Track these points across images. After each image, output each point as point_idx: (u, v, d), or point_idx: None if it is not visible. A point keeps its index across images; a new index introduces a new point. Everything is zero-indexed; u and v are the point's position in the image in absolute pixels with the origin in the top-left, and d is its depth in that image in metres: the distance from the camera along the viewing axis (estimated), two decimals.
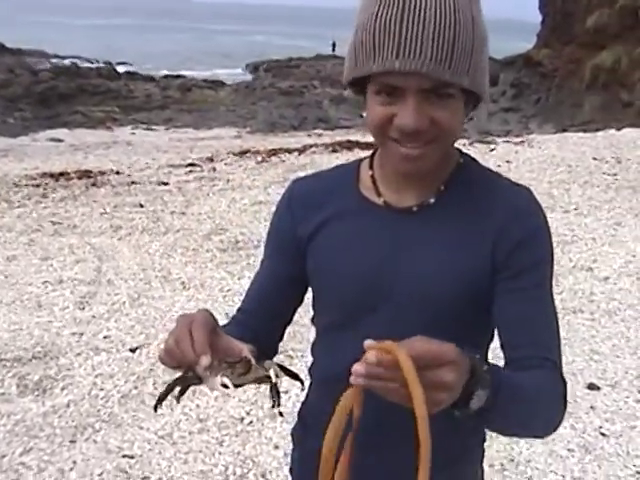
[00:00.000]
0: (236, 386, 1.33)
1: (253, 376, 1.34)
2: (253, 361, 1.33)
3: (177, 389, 1.35)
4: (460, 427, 1.44)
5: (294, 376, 1.44)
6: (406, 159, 1.39)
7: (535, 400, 1.31)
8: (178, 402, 1.38)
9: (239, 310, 1.69)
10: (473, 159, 1.57)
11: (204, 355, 1.24)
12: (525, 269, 1.42)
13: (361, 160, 1.62)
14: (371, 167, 1.57)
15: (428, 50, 1.27)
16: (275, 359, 1.45)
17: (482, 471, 1.72)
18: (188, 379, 1.33)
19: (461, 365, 1.09)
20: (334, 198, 1.57)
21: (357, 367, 1.04)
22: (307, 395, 1.74)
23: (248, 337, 1.47)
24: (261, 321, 1.66)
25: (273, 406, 1.38)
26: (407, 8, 1.28)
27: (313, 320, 1.68)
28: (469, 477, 1.68)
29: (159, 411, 1.49)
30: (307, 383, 1.76)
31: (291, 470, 1.83)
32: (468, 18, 1.31)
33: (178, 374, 1.33)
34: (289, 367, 1.43)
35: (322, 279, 1.58)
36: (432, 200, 1.49)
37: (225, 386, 1.27)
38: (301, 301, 1.68)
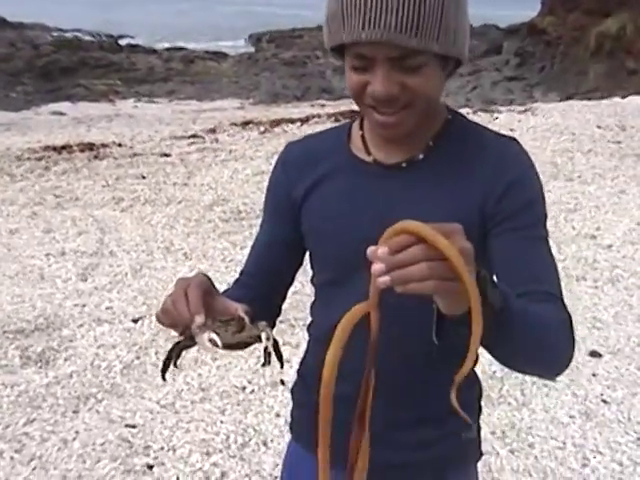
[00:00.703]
0: (229, 347, 1.33)
1: (246, 335, 1.34)
2: (247, 319, 1.34)
3: (175, 354, 1.38)
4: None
5: (279, 356, 1.44)
6: (383, 126, 1.43)
7: (543, 325, 1.29)
8: (176, 366, 1.40)
9: (241, 273, 1.73)
10: (461, 115, 1.59)
11: (197, 314, 1.27)
12: (518, 210, 1.43)
13: (352, 121, 1.64)
14: (361, 127, 1.59)
15: (392, 19, 1.28)
16: (277, 327, 1.46)
17: (479, 429, 1.73)
18: (184, 342, 1.36)
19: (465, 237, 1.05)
20: (326, 159, 1.60)
21: (375, 266, 1.01)
22: (305, 353, 1.77)
23: (249, 298, 1.51)
24: (262, 282, 1.69)
25: (264, 365, 1.41)
26: None
27: (312, 280, 1.70)
28: (466, 433, 1.68)
29: (167, 378, 1.51)
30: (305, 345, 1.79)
31: (291, 428, 1.86)
32: None
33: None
34: (279, 346, 1.44)
35: (316, 238, 1.60)
36: (421, 156, 1.51)
37: (214, 342, 1.27)
38: (301, 262, 1.71)
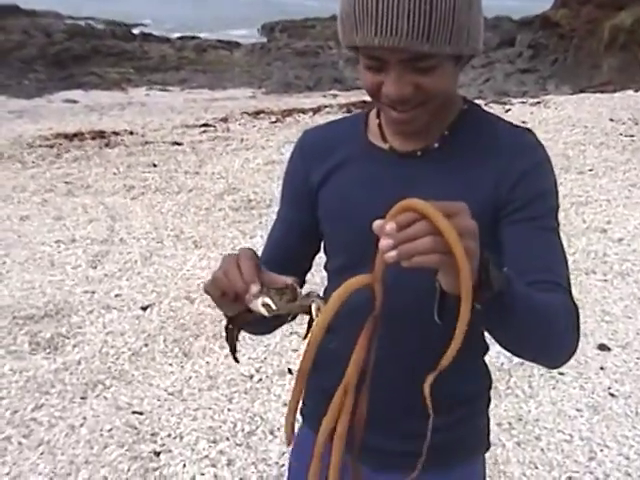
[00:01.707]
0: (279, 315, 1.35)
1: (299, 304, 1.35)
2: (299, 289, 1.35)
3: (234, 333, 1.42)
4: (464, 369, 1.50)
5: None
6: (397, 122, 1.45)
7: (548, 312, 1.30)
8: (234, 352, 1.43)
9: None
10: (477, 105, 1.59)
11: (253, 283, 1.28)
12: (530, 200, 1.44)
13: (370, 109, 1.65)
14: (378, 116, 1.60)
15: (404, 26, 1.29)
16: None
17: (488, 420, 1.74)
18: (239, 316, 1.38)
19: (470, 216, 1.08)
20: (343, 146, 1.62)
21: (383, 242, 1.06)
22: None
23: None
24: (279, 269, 1.67)
25: (305, 337, 1.39)
26: None
27: (325, 266, 1.71)
28: (474, 423, 1.69)
29: (238, 358, 1.51)
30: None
31: (302, 413, 1.86)
32: None
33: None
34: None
35: (331, 223, 1.62)
36: (436, 145, 1.52)
37: (268, 307, 1.28)
38: (318, 249, 1.72)
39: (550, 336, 1.32)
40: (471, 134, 1.52)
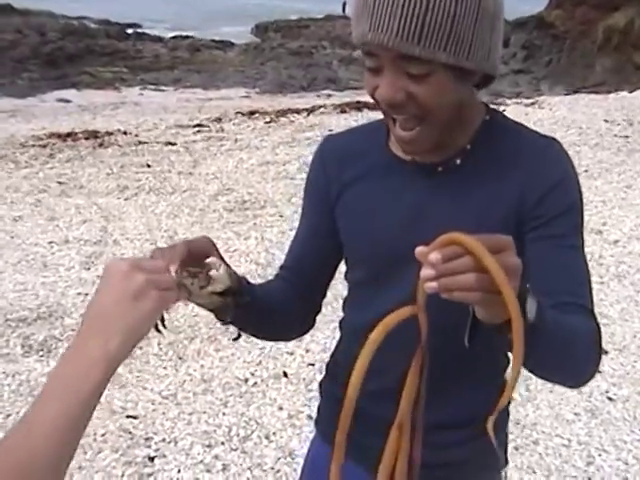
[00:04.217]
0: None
1: (208, 292, 1.31)
2: (219, 272, 1.31)
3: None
4: (487, 384, 1.50)
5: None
6: (401, 141, 1.43)
7: (573, 338, 1.29)
8: (158, 330, 1.31)
9: (281, 267, 1.73)
10: (500, 113, 1.55)
11: (172, 264, 1.22)
12: (555, 217, 1.41)
13: None
14: None
15: (395, 25, 1.27)
16: None
17: (506, 435, 1.71)
18: None
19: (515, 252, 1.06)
20: (364, 155, 1.59)
21: (425, 271, 1.04)
22: (336, 348, 1.77)
23: (292, 293, 1.63)
24: (301, 277, 1.69)
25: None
26: None
27: (346, 276, 1.69)
28: (498, 438, 1.65)
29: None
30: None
31: (316, 422, 1.84)
32: None
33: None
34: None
35: (350, 237, 1.60)
36: (458, 161, 1.48)
37: (184, 287, 1.25)
38: (340, 256, 1.69)
39: (575, 361, 1.32)
40: (494, 147, 1.48)
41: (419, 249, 1.05)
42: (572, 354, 1.30)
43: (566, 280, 1.40)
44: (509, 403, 1.70)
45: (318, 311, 1.74)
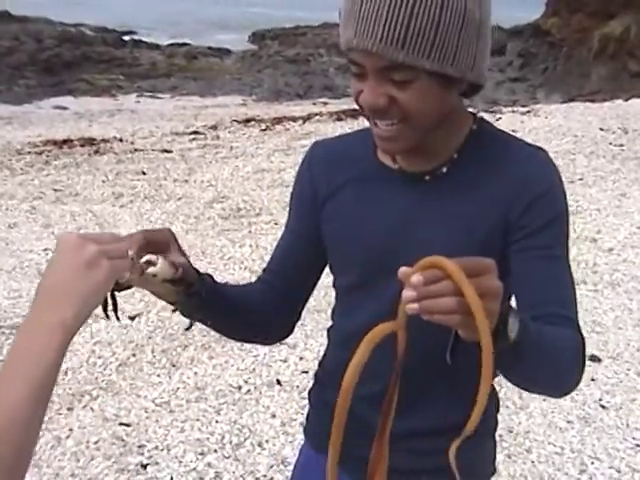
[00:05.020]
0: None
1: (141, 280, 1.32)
2: (152, 269, 1.32)
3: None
4: (467, 393, 1.45)
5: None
6: (380, 138, 1.43)
7: (557, 351, 1.30)
8: (106, 315, 1.32)
9: (264, 270, 1.73)
10: (488, 123, 1.55)
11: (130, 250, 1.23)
12: (540, 228, 1.41)
13: None
14: None
15: (379, 31, 1.28)
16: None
17: (494, 443, 1.71)
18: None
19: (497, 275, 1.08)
20: (352, 162, 1.60)
21: (406, 293, 1.04)
22: (324, 356, 1.77)
23: (272, 295, 1.64)
24: (285, 280, 1.69)
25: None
26: None
27: (334, 284, 1.69)
28: (483, 447, 1.67)
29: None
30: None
31: (305, 430, 1.84)
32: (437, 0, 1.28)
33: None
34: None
35: (339, 241, 1.60)
36: (444, 170, 1.48)
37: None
38: (325, 262, 1.69)
39: (558, 373, 1.34)
40: (481, 156, 1.48)
41: (402, 269, 1.06)
42: (556, 367, 1.31)
43: (551, 291, 1.40)
44: (497, 410, 1.70)
45: (298, 318, 1.74)
